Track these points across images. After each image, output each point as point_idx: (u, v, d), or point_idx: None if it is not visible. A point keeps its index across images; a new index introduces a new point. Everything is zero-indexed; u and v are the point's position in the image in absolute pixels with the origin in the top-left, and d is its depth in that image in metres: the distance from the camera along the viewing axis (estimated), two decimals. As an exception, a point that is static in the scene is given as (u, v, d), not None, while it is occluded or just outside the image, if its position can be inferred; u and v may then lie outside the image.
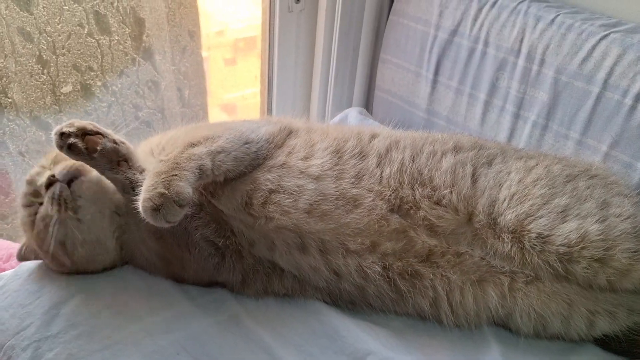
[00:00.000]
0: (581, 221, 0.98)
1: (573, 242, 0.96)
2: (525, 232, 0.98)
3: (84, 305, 1.07)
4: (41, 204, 1.05)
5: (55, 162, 1.10)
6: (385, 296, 1.04)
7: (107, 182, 1.04)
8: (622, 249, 0.95)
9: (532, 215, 0.99)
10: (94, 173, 1.04)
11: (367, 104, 1.96)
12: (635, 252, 0.95)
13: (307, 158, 1.09)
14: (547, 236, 0.97)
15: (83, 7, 1.43)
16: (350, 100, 1.93)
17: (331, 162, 1.08)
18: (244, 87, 2.22)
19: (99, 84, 1.57)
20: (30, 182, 1.09)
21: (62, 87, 1.50)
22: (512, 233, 0.99)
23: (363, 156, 1.11)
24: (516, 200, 1.01)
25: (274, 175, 1.05)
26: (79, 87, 1.54)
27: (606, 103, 1.24)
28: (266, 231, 1.03)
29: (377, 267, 1.01)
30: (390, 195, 1.04)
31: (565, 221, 0.98)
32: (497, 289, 1.00)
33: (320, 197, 1.03)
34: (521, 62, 1.39)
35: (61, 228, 1.03)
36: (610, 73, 1.23)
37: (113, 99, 1.61)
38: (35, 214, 1.06)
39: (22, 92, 1.44)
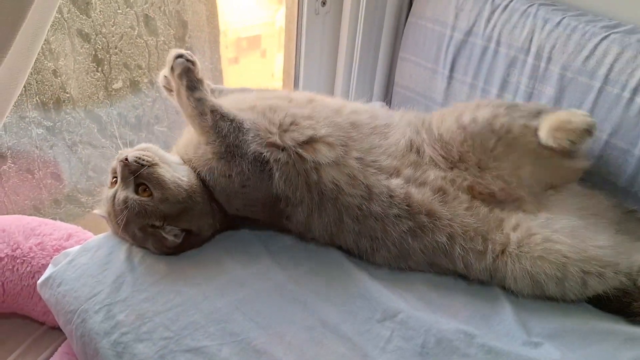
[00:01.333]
0: None
1: None
2: None
3: (146, 275, 1.19)
4: None
5: None
6: (406, 232, 1.19)
7: None
8: None
9: None
10: None
11: (386, 99, 2.09)
12: None
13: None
14: None
15: (135, 11, 1.57)
16: (371, 95, 2.06)
17: None
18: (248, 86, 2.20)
19: (146, 80, 1.70)
20: None
21: (113, 84, 1.64)
22: None
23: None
24: None
25: None
26: (128, 83, 1.67)
27: (607, 96, 1.37)
28: None
29: (401, 191, 1.20)
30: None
31: None
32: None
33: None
34: (530, 59, 1.52)
35: None
36: (610, 69, 1.36)
37: (157, 94, 1.75)
38: None
39: (79, 88, 1.58)
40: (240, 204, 1.26)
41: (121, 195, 1.18)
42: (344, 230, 1.22)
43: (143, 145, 1.27)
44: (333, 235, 1.24)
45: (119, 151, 1.25)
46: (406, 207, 1.19)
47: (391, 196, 1.19)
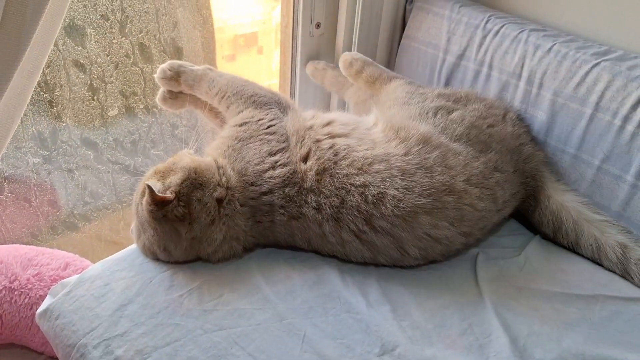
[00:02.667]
0: None
1: None
2: None
3: (145, 307, 1.19)
4: None
5: None
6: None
7: None
8: None
9: None
10: None
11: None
12: None
13: None
14: None
15: (130, 40, 1.59)
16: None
17: None
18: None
19: (142, 106, 1.71)
20: None
21: (109, 111, 1.65)
22: None
23: None
24: None
25: None
26: (124, 110, 1.69)
27: (598, 123, 1.38)
28: None
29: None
30: None
31: None
32: None
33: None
34: (522, 84, 1.54)
35: None
36: (601, 97, 1.37)
37: (153, 119, 1.76)
38: None
39: (75, 117, 1.60)
40: None
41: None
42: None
43: None
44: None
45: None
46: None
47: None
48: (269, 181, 1.24)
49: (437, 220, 1.23)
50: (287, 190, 1.24)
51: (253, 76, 2.09)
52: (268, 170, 1.25)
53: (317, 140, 1.29)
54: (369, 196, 1.21)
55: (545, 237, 1.44)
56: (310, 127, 1.33)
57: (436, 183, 1.22)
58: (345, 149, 1.27)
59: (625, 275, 1.31)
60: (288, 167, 1.25)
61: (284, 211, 1.24)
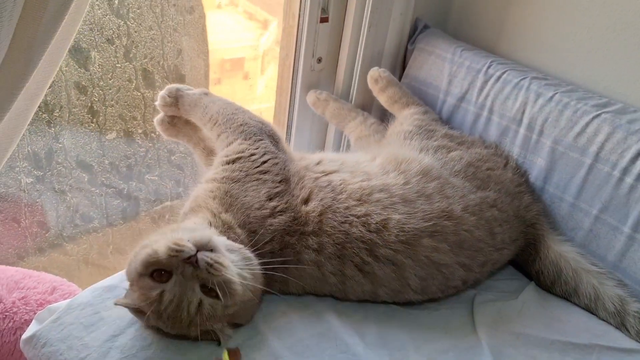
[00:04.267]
0: None
1: None
2: None
3: (135, 340, 1.14)
4: None
5: None
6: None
7: None
8: None
9: None
10: None
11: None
12: None
13: None
14: None
15: (134, 65, 1.58)
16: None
17: None
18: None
19: (140, 131, 1.70)
20: None
21: (107, 134, 1.64)
22: None
23: None
24: None
25: None
26: (122, 134, 1.67)
27: (597, 173, 1.40)
28: None
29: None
30: None
31: None
32: None
33: None
34: (522, 130, 1.55)
35: None
36: (601, 148, 1.39)
37: (150, 144, 1.75)
38: None
39: (72, 138, 1.58)
40: None
41: (194, 299, 1.03)
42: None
43: (205, 236, 1.07)
44: None
45: (172, 243, 1.04)
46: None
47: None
48: (269, 229, 1.20)
49: (437, 242, 1.24)
50: (286, 238, 1.21)
51: (237, 101, 2.11)
52: (269, 217, 1.21)
53: (316, 179, 1.29)
54: (372, 224, 1.21)
55: (542, 288, 1.44)
56: (306, 167, 1.33)
57: (435, 209, 1.26)
58: (340, 183, 1.27)
59: (621, 327, 1.31)
60: (288, 214, 1.22)
61: (282, 259, 1.20)
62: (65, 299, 1.36)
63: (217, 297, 1.04)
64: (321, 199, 1.24)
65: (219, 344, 1.12)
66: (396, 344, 1.21)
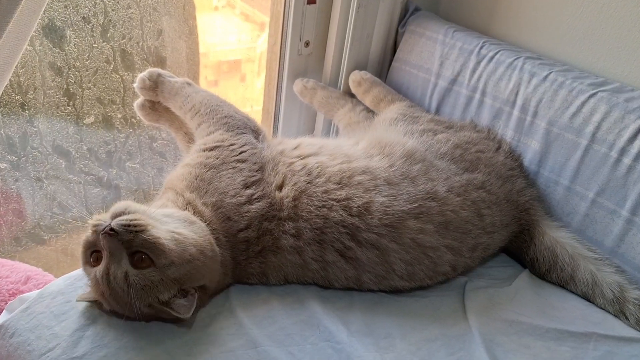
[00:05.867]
0: None
1: None
2: None
3: (108, 328, 1.10)
4: None
5: None
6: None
7: None
8: None
9: None
10: None
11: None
12: None
13: None
14: None
15: (111, 45, 1.52)
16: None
17: None
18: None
19: (119, 116, 1.64)
20: None
21: (85, 119, 1.58)
22: None
23: None
24: None
25: None
26: (100, 118, 1.61)
27: (594, 154, 1.34)
28: None
29: None
30: None
31: None
32: None
33: None
34: (516, 112, 1.50)
35: None
36: (597, 128, 1.34)
37: (131, 130, 1.69)
38: None
39: (48, 122, 1.52)
40: None
41: (118, 271, 1.01)
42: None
43: (121, 205, 1.07)
44: None
45: (92, 221, 1.05)
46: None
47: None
48: (246, 216, 1.17)
49: (423, 224, 1.20)
50: (265, 224, 1.18)
51: (233, 102, 2.08)
52: (245, 204, 1.18)
53: (290, 164, 1.25)
54: (354, 208, 1.18)
55: (537, 275, 1.39)
56: (282, 152, 1.29)
57: (420, 191, 1.23)
58: (317, 167, 1.24)
59: (620, 314, 1.26)
60: (264, 201, 1.19)
61: (259, 247, 1.18)
62: (39, 289, 1.30)
63: (150, 264, 1.01)
64: (294, 184, 1.21)
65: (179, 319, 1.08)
66: (382, 332, 1.16)
